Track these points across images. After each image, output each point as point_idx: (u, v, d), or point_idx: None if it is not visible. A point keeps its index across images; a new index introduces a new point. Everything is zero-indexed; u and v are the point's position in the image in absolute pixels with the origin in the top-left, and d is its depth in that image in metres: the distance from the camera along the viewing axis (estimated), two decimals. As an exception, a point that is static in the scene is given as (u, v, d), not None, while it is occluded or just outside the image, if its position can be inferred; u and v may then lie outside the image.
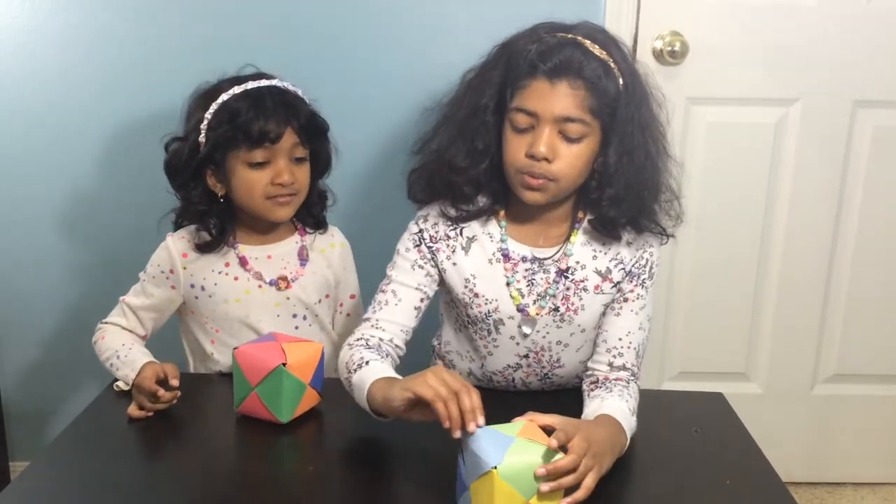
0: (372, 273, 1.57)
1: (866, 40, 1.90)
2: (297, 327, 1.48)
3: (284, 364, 1.22)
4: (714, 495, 1.10)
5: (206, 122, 1.38)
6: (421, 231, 1.32)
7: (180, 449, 1.25)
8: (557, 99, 1.17)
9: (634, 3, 1.86)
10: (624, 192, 1.23)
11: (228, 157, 1.38)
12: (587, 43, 1.20)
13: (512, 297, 1.29)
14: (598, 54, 1.19)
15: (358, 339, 1.26)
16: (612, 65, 1.20)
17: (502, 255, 1.29)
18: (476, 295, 1.30)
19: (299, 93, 1.44)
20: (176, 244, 1.45)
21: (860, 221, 2.03)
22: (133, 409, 1.27)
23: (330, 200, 1.54)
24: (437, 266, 1.31)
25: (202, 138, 1.38)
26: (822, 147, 1.97)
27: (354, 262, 1.58)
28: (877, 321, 2.09)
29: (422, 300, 1.31)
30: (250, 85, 1.38)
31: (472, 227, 1.31)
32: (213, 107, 1.37)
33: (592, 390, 1.26)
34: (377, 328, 1.28)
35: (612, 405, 1.17)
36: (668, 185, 1.29)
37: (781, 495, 1.10)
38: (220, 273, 1.44)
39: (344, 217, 1.61)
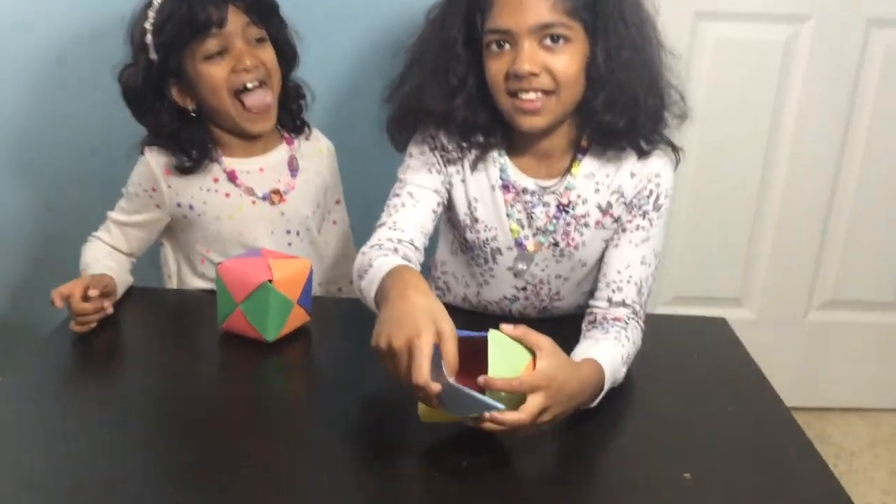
0: (353, 180, 1.54)
1: (885, -47, 1.82)
2: (290, 244, 1.43)
3: (271, 280, 1.17)
4: (717, 422, 1.08)
5: (149, 33, 1.30)
6: (434, 137, 1.23)
7: (160, 367, 1.20)
8: (529, 7, 1.08)
9: None
10: (617, 92, 1.13)
11: (185, 62, 1.31)
12: None
13: (511, 229, 1.23)
14: None
15: (372, 246, 1.17)
16: None
17: (503, 184, 1.22)
18: (476, 220, 1.24)
19: None
20: (156, 159, 1.37)
21: (866, 147, 1.98)
22: (72, 324, 1.22)
23: (308, 97, 1.46)
24: (448, 178, 1.24)
25: (152, 54, 1.31)
26: (831, 67, 1.90)
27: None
28: (876, 248, 2.07)
29: (439, 204, 1.24)
30: None
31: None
32: (151, 15, 1.30)
33: (589, 330, 1.18)
34: (394, 229, 1.19)
35: (605, 350, 1.08)
36: (666, 80, 1.18)
37: (786, 422, 1.07)
38: (208, 190, 1.38)
39: (323, 127, 1.54)
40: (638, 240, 1.21)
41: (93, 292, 1.20)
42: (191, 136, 1.36)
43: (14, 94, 1.75)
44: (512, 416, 0.89)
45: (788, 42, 1.88)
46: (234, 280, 1.19)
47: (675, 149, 1.23)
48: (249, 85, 1.32)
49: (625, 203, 1.21)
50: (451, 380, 0.89)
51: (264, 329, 1.19)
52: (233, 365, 1.20)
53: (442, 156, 1.23)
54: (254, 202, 1.39)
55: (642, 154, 1.20)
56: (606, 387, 1.04)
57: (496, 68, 1.13)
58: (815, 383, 2.17)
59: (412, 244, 1.18)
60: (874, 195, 2.02)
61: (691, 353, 1.24)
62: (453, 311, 1.30)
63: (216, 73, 1.31)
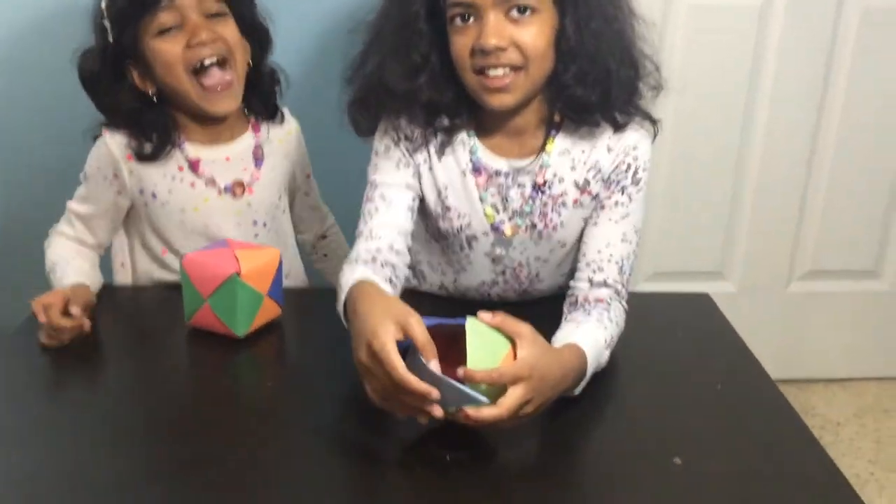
0: (320, 160, 1.50)
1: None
2: (256, 235, 1.38)
3: (238, 273, 1.12)
4: (704, 401, 1.05)
5: (104, 15, 1.24)
6: (396, 128, 1.18)
7: (127, 366, 1.15)
8: None
9: None
10: (589, 65, 1.09)
11: (141, 41, 1.25)
12: None
13: (486, 214, 1.19)
14: None
15: (350, 262, 1.12)
16: None
17: (474, 167, 1.18)
18: (448, 208, 1.19)
19: None
20: (117, 141, 1.30)
21: (843, 115, 1.96)
22: (42, 336, 1.16)
23: (283, 83, 1.40)
24: (417, 168, 1.19)
25: (110, 36, 1.25)
26: (807, 32, 1.87)
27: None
28: (855, 216, 2.05)
29: (414, 199, 1.19)
30: None
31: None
32: None
33: (570, 312, 1.14)
34: (371, 238, 1.14)
35: (586, 334, 1.04)
36: (640, 49, 1.14)
37: (774, 398, 1.05)
38: (173, 178, 1.32)
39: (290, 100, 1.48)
40: (617, 216, 1.17)
41: (75, 310, 1.14)
42: (152, 121, 1.29)
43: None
44: (490, 413, 0.85)
45: (763, 6, 1.84)
46: (199, 274, 1.14)
47: (652, 121, 1.19)
48: (207, 62, 1.25)
49: (602, 179, 1.17)
50: (433, 365, 0.85)
51: (234, 324, 1.14)
52: (203, 362, 1.16)
53: (407, 147, 1.18)
54: (219, 193, 1.34)
55: (618, 127, 1.16)
56: (589, 372, 1.00)
57: (461, 44, 1.08)
58: (798, 355, 2.16)
59: (392, 248, 1.13)
60: (852, 160, 2.00)
61: (675, 331, 1.21)
62: (430, 298, 1.29)
63: (170, 49, 1.24)
